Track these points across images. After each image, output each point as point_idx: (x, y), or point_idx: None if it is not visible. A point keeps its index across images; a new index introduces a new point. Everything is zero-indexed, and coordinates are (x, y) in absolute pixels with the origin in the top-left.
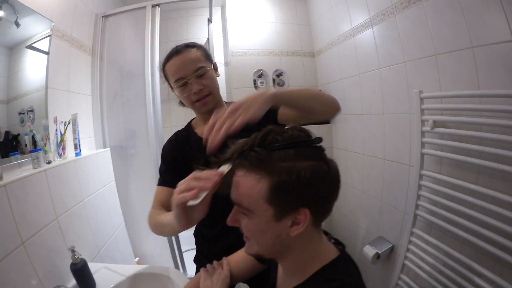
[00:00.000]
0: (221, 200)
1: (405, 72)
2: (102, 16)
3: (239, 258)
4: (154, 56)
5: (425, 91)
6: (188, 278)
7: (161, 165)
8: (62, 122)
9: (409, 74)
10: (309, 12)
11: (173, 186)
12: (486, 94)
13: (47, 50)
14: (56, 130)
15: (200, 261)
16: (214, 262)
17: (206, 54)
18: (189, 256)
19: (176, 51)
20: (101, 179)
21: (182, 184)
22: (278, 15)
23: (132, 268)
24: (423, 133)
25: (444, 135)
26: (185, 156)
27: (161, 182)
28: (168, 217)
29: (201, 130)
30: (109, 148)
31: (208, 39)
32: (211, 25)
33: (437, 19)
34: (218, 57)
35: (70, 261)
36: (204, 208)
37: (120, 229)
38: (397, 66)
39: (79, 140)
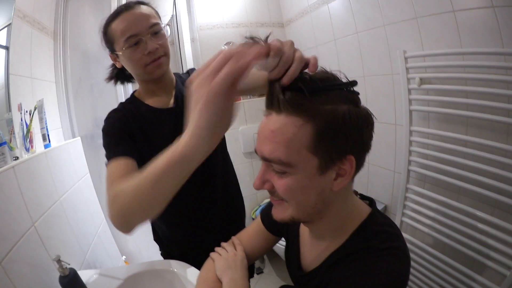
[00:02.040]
0: (184, 194)
1: (385, 34)
2: None
3: (250, 236)
4: None
5: (408, 51)
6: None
7: (106, 139)
8: (27, 111)
9: (390, 36)
10: None
11: (134, 156)
12: (470, 52)
13: (4, 44)
14: (21, 120)
15: None
16: (223, 244)
17: (157, 12)
18: None
19: (126, 7)
20: (76, 172)
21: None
22: None
23: (128, 269)
24: (409, 91)
25: (430, 91)
26: (140, 127)
27: (116, 153)
28: (168, 154)
29: (152, 102)
30: (79, 137)
31: (173, 15)
32: None
33: None
34: (185, 34)
35: (57, 273)
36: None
37: (103, 227)
38: (376, 29)
39: (47, 130)
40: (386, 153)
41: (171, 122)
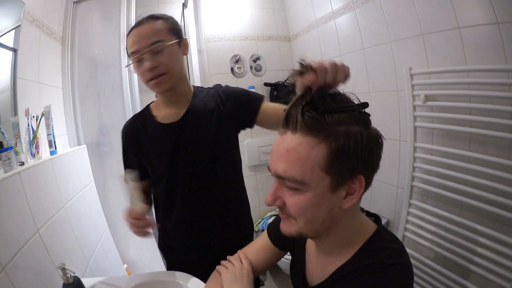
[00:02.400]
0: (185, 207)
1: (391, 51)
2: (73, 2)
3: (257, 250)
4: None
5: (413, 68)
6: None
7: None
8: (33, 116)
9: (396, 52)
10: None
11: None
12: (474, 69)
13: (12, 46)
14: (28, 125)
15: None
16: (230, 258)
17: (172, 27)
18: None
19: (138, 22)
20: (80, 179)
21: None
22: (253, 0)
23: (132, 279)
24: (414, 108)
25: (434, 108)
26: (138, 144)
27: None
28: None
29: (161, 114)
30: (85, 145)
31: (180, 26)
32: (186, 10)
33: (423, 1)
34: (192, 45)
35: (61, 281)
36: None
37: (106, 235)
38: (382, 45)
39: (54, 136)
40: (389, 169)
41: (173, 137)
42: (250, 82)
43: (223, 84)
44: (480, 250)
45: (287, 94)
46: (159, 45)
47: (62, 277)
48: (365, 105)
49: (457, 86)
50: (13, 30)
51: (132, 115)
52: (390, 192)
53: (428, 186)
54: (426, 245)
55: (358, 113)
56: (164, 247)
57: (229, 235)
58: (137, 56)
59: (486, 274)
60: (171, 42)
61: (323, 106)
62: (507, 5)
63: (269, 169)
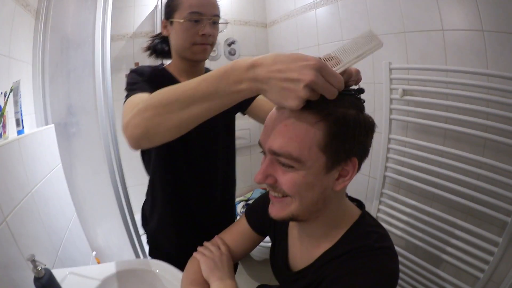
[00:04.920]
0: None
1: None
2: None
3: (235, 235)
4: (106, 22)
5: (392, 63)
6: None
7: (135, 77)
8: (1, 93)
9: None
10: None
11: None
12: (454, 70)
13: None
14: None
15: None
16: (206, 244)
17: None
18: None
19: None
20: (48, 162)
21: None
22: None
23: (105, 268)
24: (391, 101)
25: (411, 102)
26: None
27: (141, 89)
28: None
29: (182, 80)
30: (53, 125)
31: (156, 6)
32: None
33: (409, 1)
34: None
35: (31, 274)
36: None
37: (74, 221)
38: None
39: (21, 115)
40: None
41: None
42: None
43: None
44: (452, 240)
45: None
46: (219, 18)
47: (32, 270)
48: (362, 91)
49: (436, 84)
50: None
51: (100, 93)
52: (361, 181)
53: (401, 177)
54: (397, 234)
55: (355, 98)
56: (166, 227)
57: (219, 216)
58: (201, 17)
59: (458, 264)
60: (224, 21)
61: None
62: (493, 15)
63: (260, 145)
